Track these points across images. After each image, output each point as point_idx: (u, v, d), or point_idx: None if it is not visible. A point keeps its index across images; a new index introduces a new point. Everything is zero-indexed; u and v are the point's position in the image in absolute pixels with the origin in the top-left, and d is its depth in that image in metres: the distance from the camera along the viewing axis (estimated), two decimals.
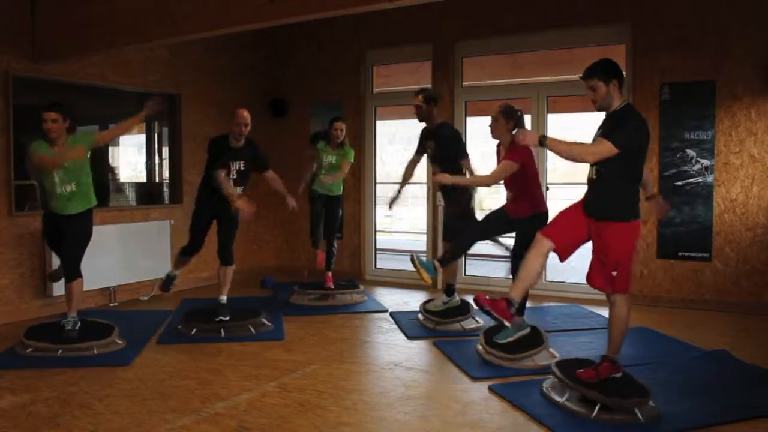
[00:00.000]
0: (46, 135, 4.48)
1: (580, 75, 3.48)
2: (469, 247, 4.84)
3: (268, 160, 5.22)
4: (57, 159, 4.46)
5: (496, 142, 4.59)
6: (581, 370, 3.48)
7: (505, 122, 4.43)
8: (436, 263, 4.73)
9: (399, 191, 5.52)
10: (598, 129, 3.48)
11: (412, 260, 4.70)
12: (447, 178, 4.63)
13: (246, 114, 4.95)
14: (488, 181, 4.61)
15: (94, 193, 4.72)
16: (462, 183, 4.86)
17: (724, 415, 3.31)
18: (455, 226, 5.19)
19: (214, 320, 5.02)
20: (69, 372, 4.09)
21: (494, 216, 4.64)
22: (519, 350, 4.20)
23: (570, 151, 3.33)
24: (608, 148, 3.25)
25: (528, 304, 4.51)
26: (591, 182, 3.48)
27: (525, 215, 4.40)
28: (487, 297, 3.54)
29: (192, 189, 5.56)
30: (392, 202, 5.55)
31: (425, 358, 4.49)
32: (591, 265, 3.52)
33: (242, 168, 5.02)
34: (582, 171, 3.68)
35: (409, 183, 5.56)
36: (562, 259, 3.54)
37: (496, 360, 4.21)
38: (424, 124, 5.32)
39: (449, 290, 5.32)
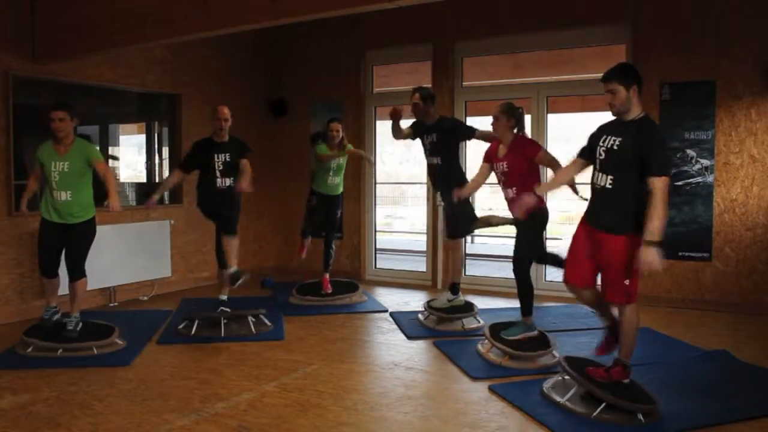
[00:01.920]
0: (54, 134, 4.50)
1: (585, 77, 3.43)
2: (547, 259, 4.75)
3: (248, 150, 5.22)
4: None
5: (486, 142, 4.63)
6: (591, 368, 3.48)
7: (506, 120, 4.44)
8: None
9: (400, 126, 5.32)
10: (607, 133, 3.40)
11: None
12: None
13: (226, 110, 5.08)
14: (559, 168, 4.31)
15: (93, 206, 4.71)
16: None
17: (724, 415, 3.32)
18: (458, 223, 5.20)
19: (215, 311, 5.08)
20: (69, 372, 4.09)
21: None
22: (524, 349, 4.22)
23: (665, 217, 3.22)
24: (665, 184, 3.20)
25: (533, 304, 4.52)
26: (601, 191, 3.40)
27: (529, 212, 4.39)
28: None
29: (192, 189, 5.58)
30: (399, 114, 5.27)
31: (425, 358, 4.49)
32: (603, 283, 3.47)
33: (228, 159, 5.08)
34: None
35: (397, 131, 5.35)
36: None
37: (496, 359, 4.22)
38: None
39: (454, 288, 5.33)
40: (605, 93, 3.38)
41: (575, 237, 3.56)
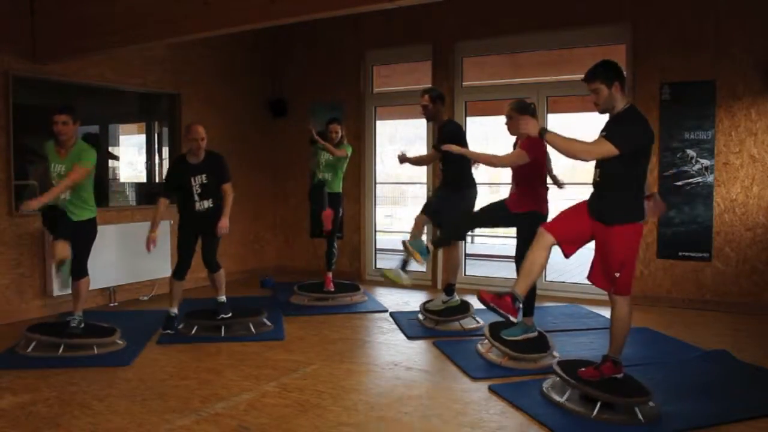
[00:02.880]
0: (56, 137, 4.49)
1: (582, 77, 3.47)
2: (463, 231, 4.81)
3: (229, 173, 5.07)
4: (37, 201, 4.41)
5: (513, 138, 4.63)
6: (583, 369, 3.49)
7: (520, 117, 4.43)
8: (429, 245, 4.78)
9: (414, 159, 5.45)
10: (602, 131, 3.46)
11: (404, 244, 4.71)
12: (455, 148, 4.62)
13: (201, 129, 4.92)
14: (496, 162, 4.55)
15: (94, 206, 4.68)
16: (471, 155, 4.75)
17: (724, 415, 3.32)
18: (450, 216, 5.19)
19: (215, 318, 5.05)
20: (69, 372, 4.09)
21: (494, 206, 4.65)
22: (523, 351, 4.21)
23: (568, 147, 3.31)
24: (607, 149, 3.24)
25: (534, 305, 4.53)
26: (594, 184, 3.48)
27: (525, 210, 4.41)
28: (492, 293, 3.53)
29: None
30: (404, 158, 5.38)
31: (425, 358, 4.49)
32: (593, 264, 3.54)
33: (205, 181, 4.94)
34: (581, 170, 3.68)
35: (418, 164, 5.58)
36: (567, 255, 3.53)
37: (496, 359, 4.22)
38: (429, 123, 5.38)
39: (449, 290, 5.32)
40: (589, 92, 3.42)
41: (576, 206, 3.58)
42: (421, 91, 5.30)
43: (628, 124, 3.31)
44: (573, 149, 3.31)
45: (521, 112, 4.43)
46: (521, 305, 3.57)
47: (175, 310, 5.09)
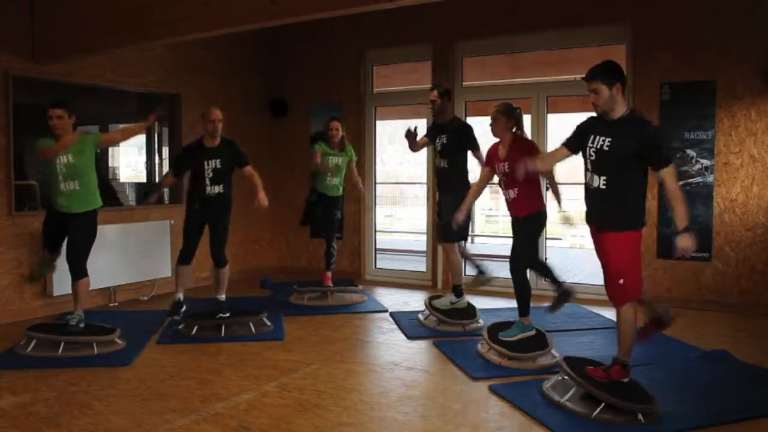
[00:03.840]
0: (52, 132, 4.50)
1: (582, 76, 3.43)
2: (540, 267, 4.70)
3: (247, 156, 5.21)
4: (57, 147, 4.47)
5: (494, 140, 4.60)
6: (591, 368, 3.49)
7: (506, 121, 4.43)
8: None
9: (419, 142, 5.45)
10: (595, 133, 3.38)
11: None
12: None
13: (218, 112, 5.01)
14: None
15: (98, 194, 4.73)
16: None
17: (724, 415, 3.32)
18: (450, 228, 5.20)
19: (214, 318, 5.05)
20: (69, 372, 4.09)
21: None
22: (522, 350, 4.21)
23: (684, 201, 3.30)
24: (672, 171, 3.28)
25: (531, 304, 4.52)
26: (595, 191, 3.40)
27: (527, 212, 4.40)
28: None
29: None
30: (413, 133, 5.38)
31: (425, 358, 4.49)
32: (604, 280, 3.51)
33: (218, 166, 4.99)
34: (581, 170, 3.65)
35: (416, 150, 5.58)
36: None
37: (496, 359, 4.22)
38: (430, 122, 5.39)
39: (457, 291, 5.32)
40: (588, 92, 3.37)
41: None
42: (431, 86, 5.34)
43: (655, 139, 3.31)
44: (683, 197, 3.30)
45: (506, 115, 4.43)
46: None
47: (180, 296, 5.08)
